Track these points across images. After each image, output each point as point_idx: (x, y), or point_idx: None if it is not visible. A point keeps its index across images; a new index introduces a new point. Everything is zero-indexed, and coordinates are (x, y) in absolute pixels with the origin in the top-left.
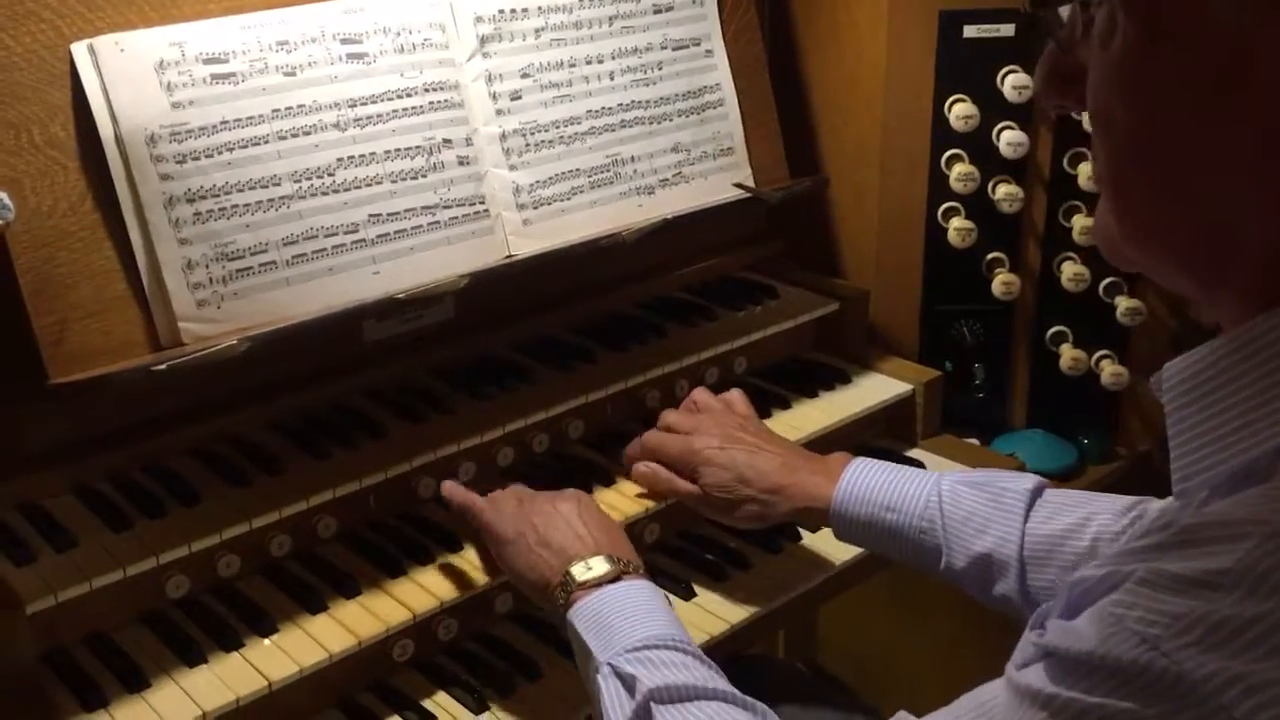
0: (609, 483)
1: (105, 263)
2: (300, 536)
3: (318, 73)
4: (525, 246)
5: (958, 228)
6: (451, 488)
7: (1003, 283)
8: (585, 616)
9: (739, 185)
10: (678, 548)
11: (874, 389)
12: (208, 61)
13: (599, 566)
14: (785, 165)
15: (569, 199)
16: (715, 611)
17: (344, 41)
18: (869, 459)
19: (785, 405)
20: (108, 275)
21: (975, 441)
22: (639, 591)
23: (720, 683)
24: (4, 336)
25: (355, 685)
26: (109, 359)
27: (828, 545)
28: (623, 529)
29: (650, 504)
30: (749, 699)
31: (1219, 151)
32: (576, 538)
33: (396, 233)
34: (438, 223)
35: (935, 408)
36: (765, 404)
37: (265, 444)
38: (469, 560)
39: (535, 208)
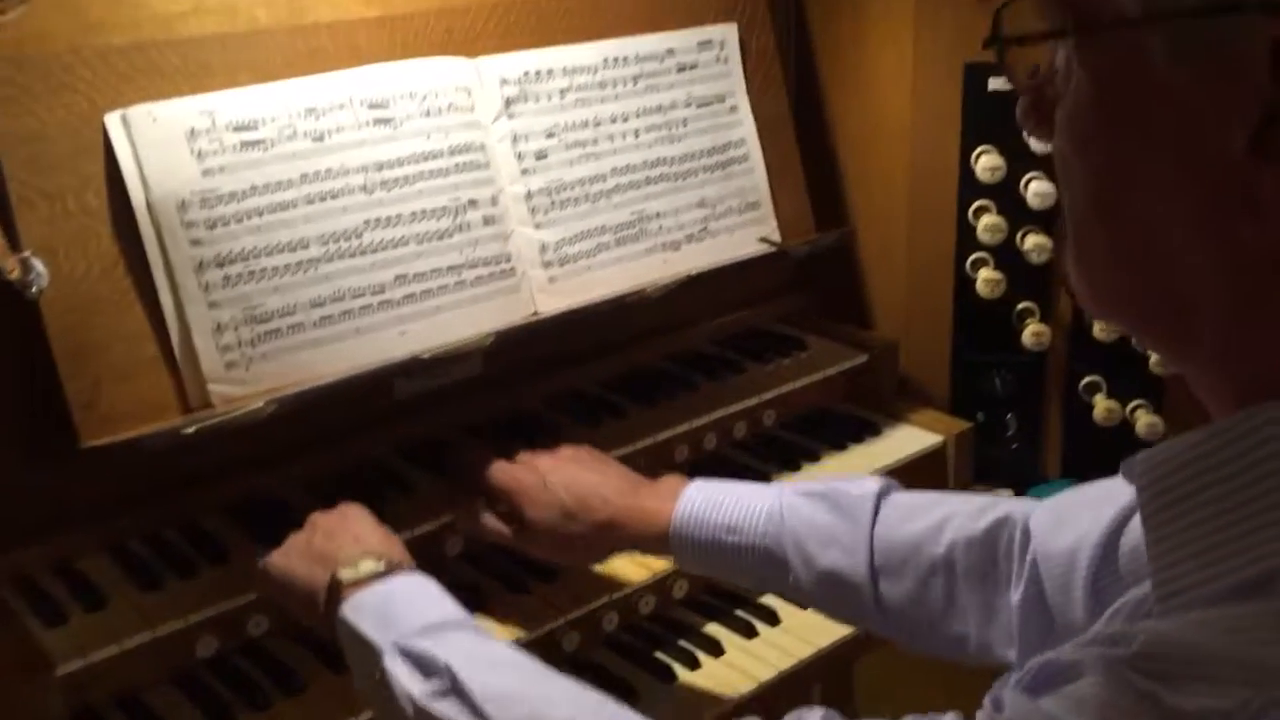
0: None
1: (136, 326)
2: None
3: (345, 138)
4: (551, 304)
5: (986, 278)
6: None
7: (1033, 333)
8: (360, 609)
9: (764, 240)
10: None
11: (905, 441)
12: (238, 129)
13: (366, 565)
14: (811, 218)
15: (594, 255)
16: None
17: (371, 106)
18: (709, 480)
19: (815, 458)
20: (139, 338)
21: (1008, 493)
22: (417, 583)
23: (521, 654)
24: (37, 399)
25: None
26: (139, 421)
27: None
28: (399, 540)
29: None
30: (550, 667)
31: (1172, 217)
32: (341, 546)
33: (423, 293)
34: (464, 282)
35: (967, 459)
36: (794, 457)
37: (297, 502)
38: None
39: (561, 265)
